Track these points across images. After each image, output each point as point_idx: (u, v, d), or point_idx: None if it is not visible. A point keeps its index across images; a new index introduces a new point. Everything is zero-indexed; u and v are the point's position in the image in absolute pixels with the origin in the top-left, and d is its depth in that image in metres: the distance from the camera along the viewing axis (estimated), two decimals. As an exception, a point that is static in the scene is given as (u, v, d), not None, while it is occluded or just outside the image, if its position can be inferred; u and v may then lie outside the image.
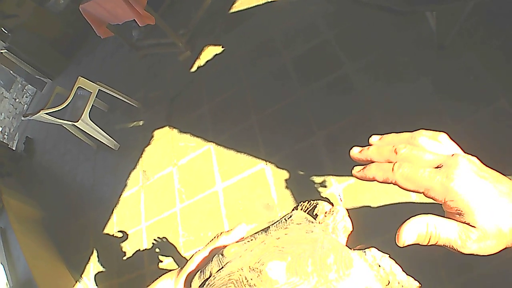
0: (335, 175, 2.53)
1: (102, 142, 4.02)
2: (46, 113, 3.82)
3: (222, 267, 0.39)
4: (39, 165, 5.21)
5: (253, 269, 0.36)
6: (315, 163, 2.68)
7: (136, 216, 3.46)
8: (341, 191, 2.45)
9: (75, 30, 6.47)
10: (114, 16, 3.75)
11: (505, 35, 2.37)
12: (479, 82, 2.33)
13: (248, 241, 0.41)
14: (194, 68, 4.04)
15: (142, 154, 3.80)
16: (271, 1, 3.82)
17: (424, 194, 0.40)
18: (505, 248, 0.40)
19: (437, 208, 0.44)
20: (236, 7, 4.14)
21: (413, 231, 0.40)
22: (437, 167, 0.40)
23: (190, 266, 0.47)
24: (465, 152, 0.42)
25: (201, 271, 0.41)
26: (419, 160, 0.41)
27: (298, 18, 3.51)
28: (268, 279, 0.35)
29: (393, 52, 2.77)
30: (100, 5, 3.66)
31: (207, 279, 0.39)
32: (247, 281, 0.35)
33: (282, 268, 0.35)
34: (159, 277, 0.50)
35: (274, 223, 0.43)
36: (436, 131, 0.45)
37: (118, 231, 3.50)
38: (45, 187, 4.74)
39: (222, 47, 3.96)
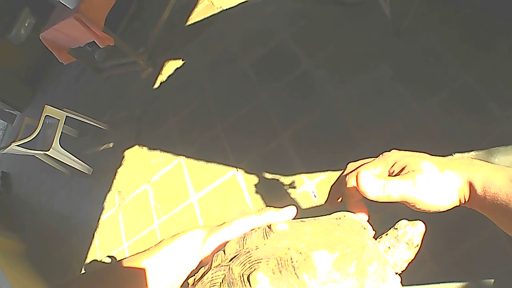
0: (306, 173, 2.57)
1: (76, 168, 4.01)
2: (18, 145, 3.79)
3: (267, 240, 0.40)
4: (17, 198, 5.14)
5: (301, 253, 0.36)
6: (284, 163, 2.72)
7: (117, 237, 3.46)
8: (314, 188, 2.48)
9: (38, 60, 6.41)
10: (74, 40, 3.74)
11: (460, 13, 2.45)
12: (439, 62, 2.40)
13: (298, 224, 0.42)
14: (157, 85, 4.06)
15: (115, 175, 3.79)
16: (226, 9, 3.87)
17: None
18: (459, 205, 0.45)
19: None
20: (192, 19, 4.18)
21: (373, 189, 0.44)
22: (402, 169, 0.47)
23: (227, 228, 0.47)
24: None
25: (241, 237, 0.42)
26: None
27: (254, 22, 3.57)
28: (312, 266, 0.35)
29: (350, 43, 2.83)
30: (59, 31, 3.66)
31: (247, 248, 0.40)
32: (292, 262, 0.36)
33: (329, 260, 0.36)
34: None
35: (326, 215, 0.44)
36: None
37: (106, 256, 3.48)
38: (25, 219, 4.69)
39: (182, 60, 3.99)
